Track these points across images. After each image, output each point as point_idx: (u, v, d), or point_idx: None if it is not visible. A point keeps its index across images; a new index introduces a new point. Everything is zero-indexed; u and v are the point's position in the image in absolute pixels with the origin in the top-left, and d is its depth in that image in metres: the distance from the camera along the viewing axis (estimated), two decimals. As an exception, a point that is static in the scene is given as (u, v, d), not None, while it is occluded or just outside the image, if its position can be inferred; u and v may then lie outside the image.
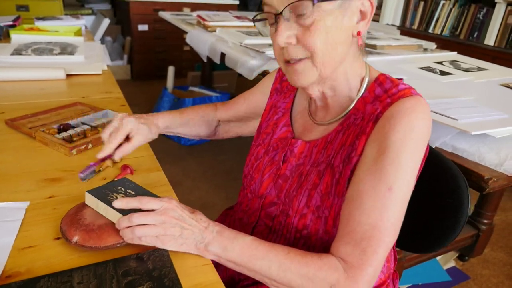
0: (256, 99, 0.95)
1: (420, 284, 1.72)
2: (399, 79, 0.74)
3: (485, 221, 1.81)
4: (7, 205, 0.74)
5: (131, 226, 0.62)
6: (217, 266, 0.66)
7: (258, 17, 0.71)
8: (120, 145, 0.81)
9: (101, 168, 0.89)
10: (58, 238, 0.67)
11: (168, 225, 0.63)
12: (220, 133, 1.07)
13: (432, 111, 1.06)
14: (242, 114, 1.00)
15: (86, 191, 0.70)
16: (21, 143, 0.99)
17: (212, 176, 2.44)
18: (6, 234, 0.67)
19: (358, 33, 0.68)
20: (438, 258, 1.89)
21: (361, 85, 0.72)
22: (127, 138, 0.82)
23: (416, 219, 0.86)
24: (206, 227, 0.65)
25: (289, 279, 0.62)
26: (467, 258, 1.88)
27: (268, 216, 0.80)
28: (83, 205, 0.71)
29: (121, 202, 0.65)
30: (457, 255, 1.91)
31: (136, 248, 0.65)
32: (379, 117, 0.67)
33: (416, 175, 0.66)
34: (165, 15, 2.98)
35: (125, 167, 0.88)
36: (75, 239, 0.63)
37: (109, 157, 0.80)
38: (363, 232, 0.62)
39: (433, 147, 1.04)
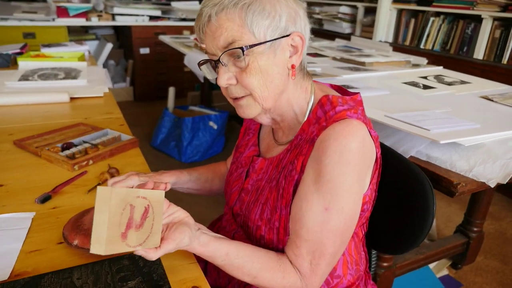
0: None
1: (413, 292, 1.77)
2: (355, 93, 0.81)
3: (475, 229, 1.86)
4: (15, 215, 0.83)
5: None
6: (205, 273, 0.73)
7: (202, 62, 0.78)
8: None
9: (100, 182, 0.97)
10: (61, 243, 0.75)
11: None
12: None
13: (406, 123, 1.14)
14: None
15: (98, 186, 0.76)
16: (28, 161, 1.08)
17: (211, 192, 2.52)
18: (15, 241, 0.75)
19: (293, 66, 0.73)
20: (431, 266, 1.93)
21: (307, 108, 0.78)
22: None
23: (388, 222, 0.94)
24: None
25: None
26: (460, 266, 1.92)
27: (239, 225, 0.88)
28: (83, 213, 0.79)
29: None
30: (450, 263, 1.96)
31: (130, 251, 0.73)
32: (314, 139, 0.73)
33: (355, 191, 0.72)
34: (165, 38, 3.11)
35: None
36: (75, 242, 0.72)
37: None
38: (307, 247, 0.72)
39: (408, 156, 1.12)
